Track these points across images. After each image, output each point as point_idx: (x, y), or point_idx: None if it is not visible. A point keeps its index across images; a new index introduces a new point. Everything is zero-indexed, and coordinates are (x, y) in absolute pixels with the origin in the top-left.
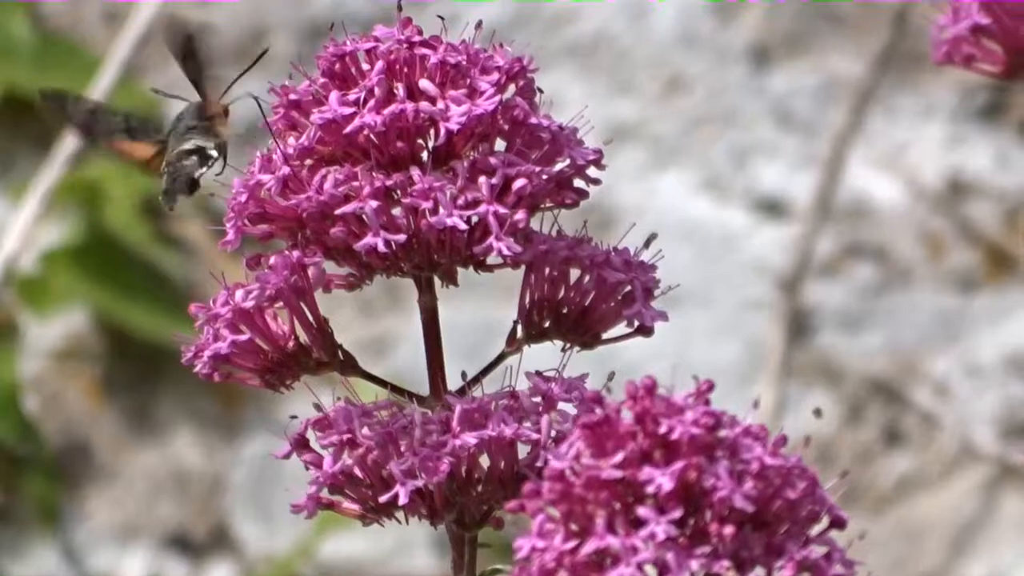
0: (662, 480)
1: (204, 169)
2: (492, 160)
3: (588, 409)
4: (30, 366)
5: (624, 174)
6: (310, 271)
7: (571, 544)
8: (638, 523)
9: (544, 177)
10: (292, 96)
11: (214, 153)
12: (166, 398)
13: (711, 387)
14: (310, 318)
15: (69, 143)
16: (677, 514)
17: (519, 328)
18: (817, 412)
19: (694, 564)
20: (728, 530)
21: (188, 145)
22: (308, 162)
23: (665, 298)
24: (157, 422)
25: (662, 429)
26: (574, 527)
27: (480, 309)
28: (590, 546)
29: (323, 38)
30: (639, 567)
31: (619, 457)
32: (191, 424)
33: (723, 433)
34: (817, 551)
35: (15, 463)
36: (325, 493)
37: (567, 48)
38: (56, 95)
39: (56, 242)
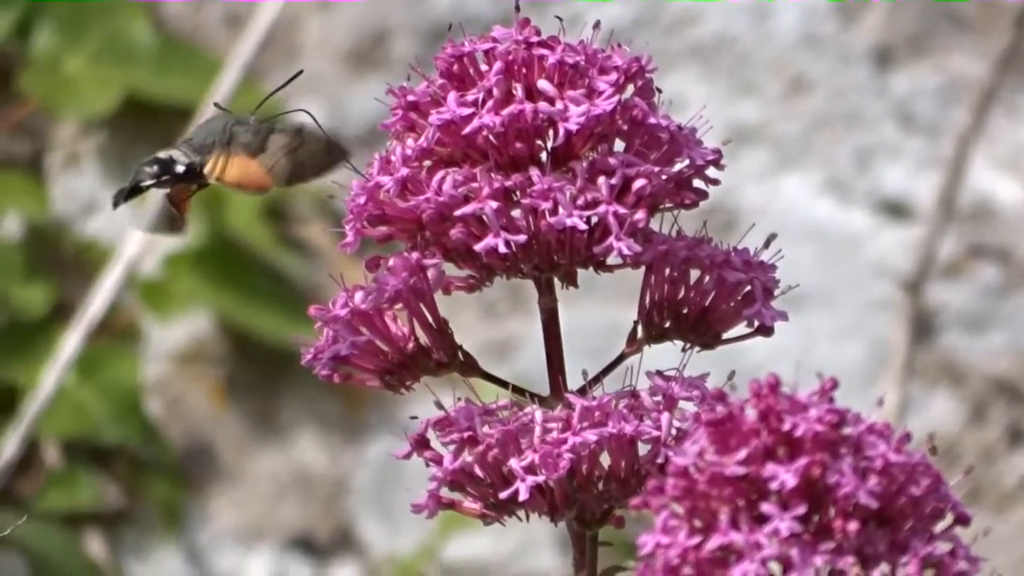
0: (786, 477)
1: (150, 181)
2: (611, 160)
3: (711, 407)
4: (153, 370)
5: (747, 176)
6: (429, 273)
7: (695, 540)
8: (762, 519)
9: (663, 177)
10: (410, 97)
11: (178, 168)
12: (289, 400)
13: (835, 385)
14: (429, 319)
15: None
16: (801, 510)
17: (639, 328)
18: (932, 446)
19: (818, 560)
20: (852, 526)
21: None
22: (427, 163)
23: (788, 299)
24: (280, 424)
25: (786, 426)
26: (698, 523)
27: (601, 310)
28: (714, 542)
29: (443, 40)
30: (763, 563)
31: (743, 454)
32: (314, 426)
33: (847, 430)
34: (941, 547)
35: (139, 466)
36: (446, 492)
37: (689, 50)
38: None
39: (178, 246)
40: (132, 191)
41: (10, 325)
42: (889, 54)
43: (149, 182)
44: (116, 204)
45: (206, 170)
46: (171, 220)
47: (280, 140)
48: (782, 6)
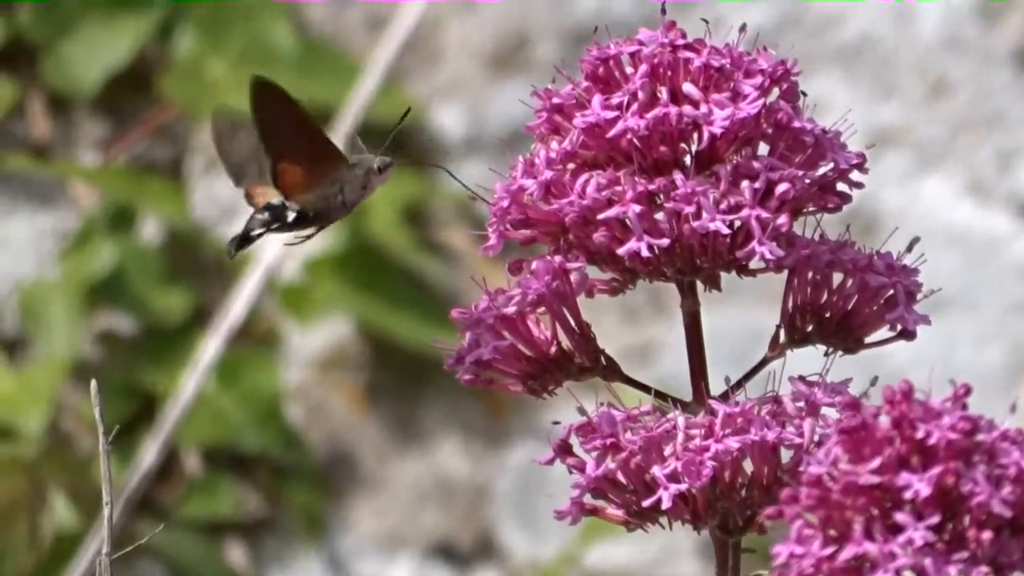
0: (919, 486)
1: (259, 230)
2: (755, 164)
3: (847, 414)
4: (294, 375)
5: (888, 179)
6: (572, 276)
7: (829, 550)
8: (896, 529)
9: (807, 181)
10: (555, 100)
11: (289, 216)
12: (431, 407)
13: (968, 391)
14: (572, 323)
15: None
16: (935, 520)
17: (782, 332)
18: None
19: (952, 570)
20: (986, 535)
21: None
22: (570, 166)
23: (929, 303)
24: (422, 431)
25: (919, 434)
26: (832, 533)
27: (743, 314)
28: (848, 552)
29: (586, 42)
30: (897, 573)
31: (876, 462)
32: (456, 433)
33: (980, 437)
34: None
35: (280, 473)
36: (588, 498)
37: (832, 52)
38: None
39: (319, 250)
40: (244, 240)
41: (150, 331)
42: None
43: (259, 230)
44: (231, 254)
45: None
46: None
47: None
48: (925, 8)
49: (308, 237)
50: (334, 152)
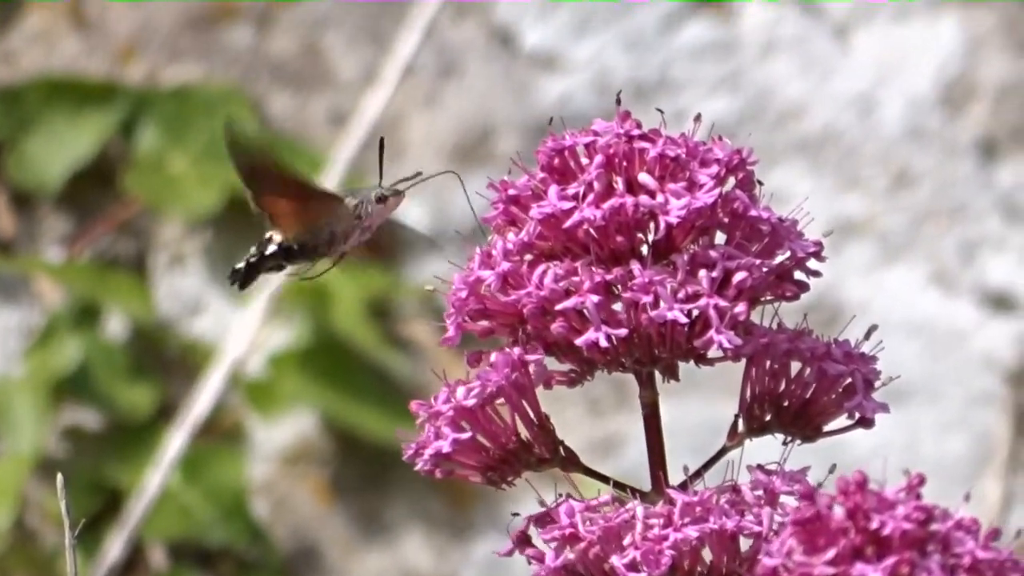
0: None
1: (253, 260)
2: (712, 253)
3: (802, 505)
4: (259, 469)
5: (851, 270)
6: (531, 368)
7: None
8: None
9: (764, 270)
10: (511, 191)
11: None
12: (395, 500)
13: (922, 481)
14: (531, 415)
15: None
16: None
17: (740, 422)
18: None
19: None
20: None
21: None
22: (528, 257)
23: (892, 393)
24: (387, 524)
25: (874, 524)
26: None
27: (701, 405)
28: None
29: (546, 136)
30: None
31: (831, 554)
32: (421, 525)
33: (935, 527)
34: None
35: (245, 567)
36: None
37: (795, 144)
38: (241, 141)
39: (283, 345)
40: (234, 273)
41: (115, 426)
42: (994, 146)
43: (242, 264)
44: (237, 283)
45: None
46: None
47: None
48: (887, 99)
49: (306, 272)
50: (316, 189)
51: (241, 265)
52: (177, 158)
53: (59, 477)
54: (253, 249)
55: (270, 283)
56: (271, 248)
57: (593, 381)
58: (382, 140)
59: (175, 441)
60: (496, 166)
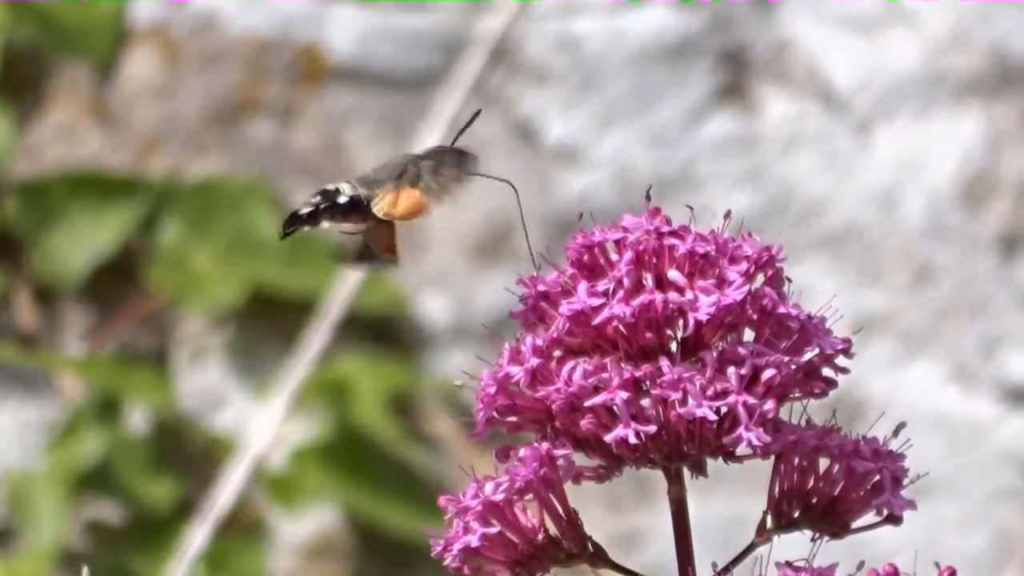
0: None
1: (309, 209)
2: (741, 350)
3: None
4: (280, 564)
5: (873, 365)
6: (559, 463)
7: None
8: None
9: (793, 367)
10: (541, 287)
11: (340, 200)
12: None
13: (953, 573)
14: (560, 510)
15: (317, 340)
16: None
17: (768, 518)
18: None
19: None
20: None
21: (331, 186)
22: (556, 353)
23: (914, 488)
24: None
25: None
26: None
27: (729, 501)
28: None
29: (569, 231)
30: None
31: None
32: None
33: None
34: None
35: None
36: None
37: (817, 239)
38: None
39: (305, 439)
40: (293, 219)
41: (137, 520)
42: (1016, 242)
43: (306, 210)
44: (283, 234)
45: (374, 205)
46: (372, 254)
47: (427, 164)
48: (909, 195)
49: (358, 237)
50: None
51: (304, 211)
52: (199, 252)
53: (84, 571)
54: (318, 197)
55: (293, 378)
56: (342, 199)
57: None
58: (479, 112)
59: (197, 535)
60: (518, 262)
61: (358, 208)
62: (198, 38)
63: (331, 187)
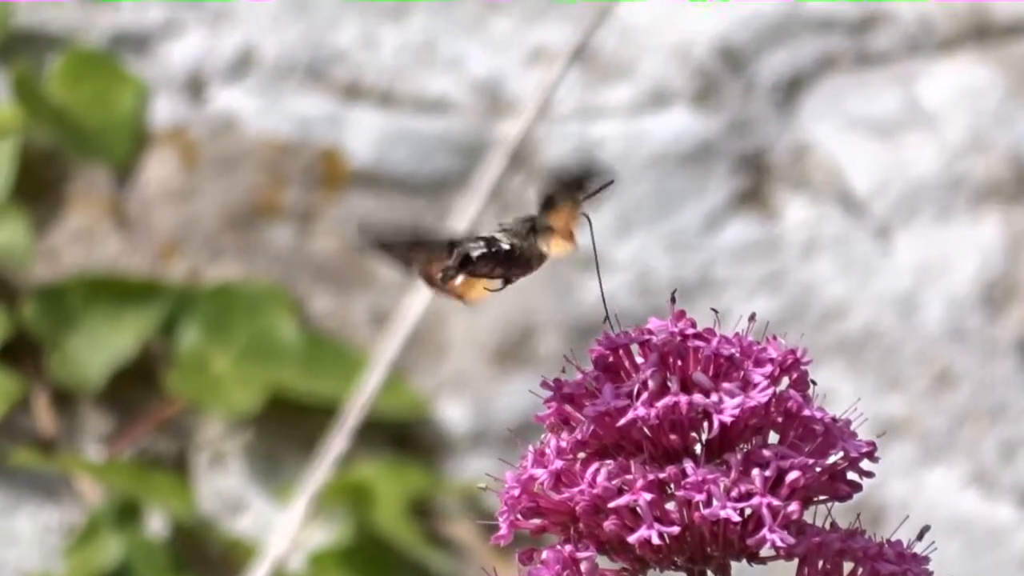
0: None
1: (480, 252)
2: (765, 452)
3: None
4: None
5: (892, 469)
6: (583, 566)
7: None
8: None
9: (817, 469)
10: (565, 389)
11: (504, 247)
12: None
13: None
14: None
15: (336, 445)
16: None
17: None
18: None
19: None
20: None
21: (486, 234)
22: (580, 455)
23: None
24: None
25: None
26: None
27: None
28: None
29: (589, 335)
30: None
31: None
32: None
33: None
34: None
35: None
36: None
37: (837, 343)
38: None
39: (324, 543)
40: (465, 260)
41: None
42: None
43: (478, 252)
44: (452, 273)
45: (542, 248)
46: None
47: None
48: (928, 300)
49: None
50: None
51: (476, 253)
52: (218, 357)
53: None
54: (480, 243)
55: (313, 482)
56: (504, 245)
57: None
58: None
59: None
60: (538, 366)
61: (509, 257)
62: (216, 141)
63: (487, 235)
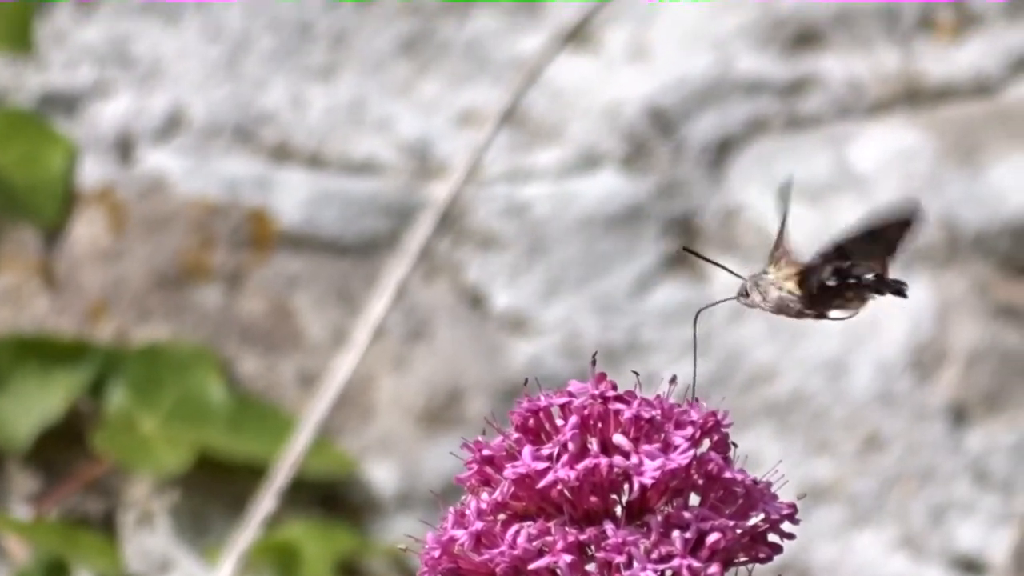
0: None
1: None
2: (686, 514)
3: None
4: None
5: (820, 533)
6: None
7: None
8: None
9: (738, 531)
10: (486, 451)
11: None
12: None
13: None
14: None
15: (264, 505)
16: None
17: None
18: None
19: None
20: None
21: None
22: (501, 517)
23: None
24: None
25: None
26: None
27: None
28: None
29: (517, 398)
30: None
31: None
32: None
33: None
34: None
35: None
36: None
37: (765, 407)
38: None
39: None
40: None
41: None
42: (964, 411)
43: (870, 277)
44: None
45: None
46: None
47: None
48: (857, 363)
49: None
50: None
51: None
52: (146, 417)
53: None
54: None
55: (240, 542)
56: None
57: None
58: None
59: None
60: (465, 428)
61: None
62: (145, 201)
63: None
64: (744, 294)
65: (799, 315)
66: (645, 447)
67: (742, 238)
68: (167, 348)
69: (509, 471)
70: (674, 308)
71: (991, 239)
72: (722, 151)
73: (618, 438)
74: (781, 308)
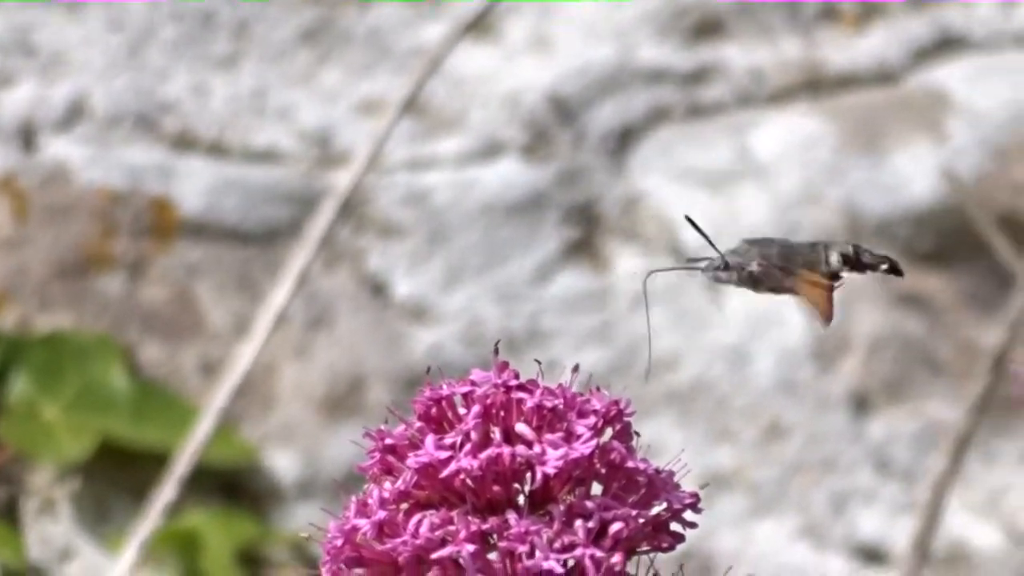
0: None
1: (723, 275)
2: (588, 504)
3: None
4: None
5: (722, 521)
6: None
7: None
8: None
9: (641, 520)
10: (388, 440)
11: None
12: None
13: None
14: None
15: (166, 493)
16: None
17: None
18: None
19: None
20: None
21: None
22: (404, 506)
23: None
24: None
25: None
26: None
27: None
28: None
29: (418, 386)
30: None
31: None
32: None
33: None
34: None
35: None
36: None
37: (666, 395)
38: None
39: None
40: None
41: None
42: (866, 400)
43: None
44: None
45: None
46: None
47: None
48: (759, 352)
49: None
50: None
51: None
52: (48, 405)
53: None
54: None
55: (142, 530)
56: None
57: None
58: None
59: None
60: (367, 416)
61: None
62: (47, 190)
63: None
64: (722, 267)
65: (773, 290)
66: (548, 436)
67: (643, 226)
68: (69, 336)
69: (412, 460)
70: (575, 296)
71: (893, 226)
72: (623, 139)
73: (521, 427)
74: (757, 281)
